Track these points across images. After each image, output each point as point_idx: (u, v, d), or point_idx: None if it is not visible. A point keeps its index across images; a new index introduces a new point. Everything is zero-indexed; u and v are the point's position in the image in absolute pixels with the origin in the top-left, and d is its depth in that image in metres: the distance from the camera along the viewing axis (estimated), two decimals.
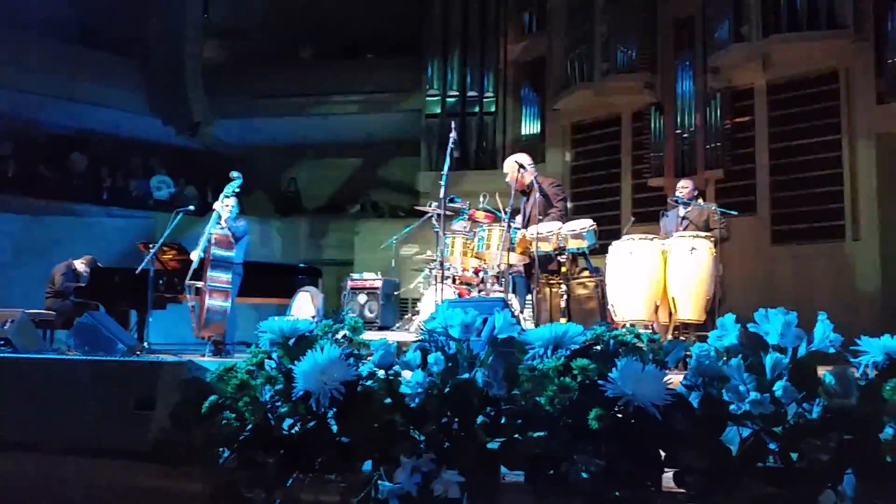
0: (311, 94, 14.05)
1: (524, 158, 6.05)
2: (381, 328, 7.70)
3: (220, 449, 1.97)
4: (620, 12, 10.29)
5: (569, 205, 6.27)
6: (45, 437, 2.37)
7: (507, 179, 5.98)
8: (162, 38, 14.23)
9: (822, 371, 1.79)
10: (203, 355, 6.22)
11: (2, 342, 3.33)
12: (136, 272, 6.87)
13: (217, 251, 6.43)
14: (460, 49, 12.52)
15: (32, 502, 2.32)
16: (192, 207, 7.20)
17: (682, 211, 6.54)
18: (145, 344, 6.39)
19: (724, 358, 1.87)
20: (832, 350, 1.82)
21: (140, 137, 14.48)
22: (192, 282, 6.36)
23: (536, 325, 5.29)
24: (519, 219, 6.02)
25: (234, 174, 6.66)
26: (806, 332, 1.85)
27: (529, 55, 12.10)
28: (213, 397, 2.01)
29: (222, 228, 6.51)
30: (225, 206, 6.59)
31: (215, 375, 2.05)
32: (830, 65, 8.68)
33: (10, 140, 13.71)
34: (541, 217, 5.57)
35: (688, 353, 1.96)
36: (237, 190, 6.70)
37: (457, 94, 12.42)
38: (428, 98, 12.58)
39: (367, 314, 8.20)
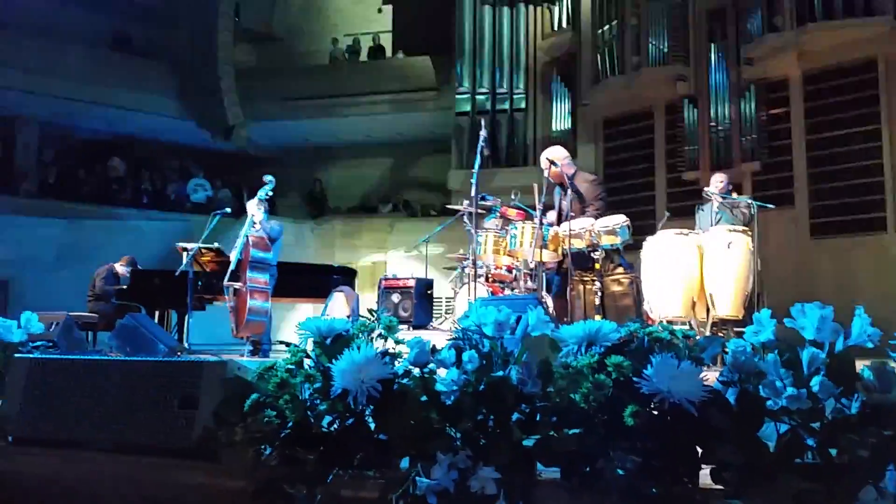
0: (341, 96, 14.17)
1: (557, 153, 5.96)
2: (415, 327, 7.74)
3: (262, 446, 2.01)
4: (651, 4, 10.20)
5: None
6: (90, 435, 2.44)
7: (554, 168, 5.90)
8: (195, 43, 14.46)
9: (861, 366, 1.77)
10: (242, 355, 6.32)
11: (48, 344, 3.44)
12: (176, 274, 7.02)
13: (255, 253, 6.55)
14: (489, 46, 12.51)
15: (78, 499, 2.39)
16: (228, 210, 7.32)
17: (716, 205, 6.46)
18: (186, 344, 6.51)
19: (761, 353, 1.86)
20: (870, 344, 1.80)
21: (176, 141, 14.75)
22: (231, 283, 6.47)
23: (570, 322, 5.28)
24: (552, 214, 5.97)
25: (268, 178, 6.77)
26: (845, 327, 1.83)
27: (559, 50, 12.05)
28: (254, 395, 2.05)
29: (257, 231, 6.62)
30: (257, 208, 6.71)
31: (256, 374, 2.10)
32: (868, 53, 8.50)
33: (51, 147, 14.06)
34: (573, 214, 5.53)
35: (724, 348, 1.96)
36: (270, 193, 6.80)
37: (487, 91, 12.41)
38: (458, 96, 12.59)
39: (401, 313, 8.24)
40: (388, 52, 15.12)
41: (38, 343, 3.16)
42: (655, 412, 1.79)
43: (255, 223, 6.65)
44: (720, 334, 5.25)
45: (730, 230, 5.48)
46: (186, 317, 7.11)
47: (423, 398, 1.97)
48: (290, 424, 2.01)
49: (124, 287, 8.32)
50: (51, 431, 2.51)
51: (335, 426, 2.00)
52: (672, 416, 1.77)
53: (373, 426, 1.98)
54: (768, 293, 6.20)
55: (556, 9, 12.06)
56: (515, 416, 1.91)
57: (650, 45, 10.10)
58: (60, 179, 13.54)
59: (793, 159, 9.03)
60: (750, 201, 6.28)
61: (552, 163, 5.80)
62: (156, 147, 14.82)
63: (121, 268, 8.78)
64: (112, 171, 14.16)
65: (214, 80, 14.27)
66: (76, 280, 9.32)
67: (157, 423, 2.33)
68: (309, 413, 2.03)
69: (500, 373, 1.97)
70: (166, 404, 2.33)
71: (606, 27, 10.85)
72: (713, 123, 9.68)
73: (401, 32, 14.96)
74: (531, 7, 12.41)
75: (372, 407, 1.98)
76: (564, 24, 11.94)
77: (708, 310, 5.37)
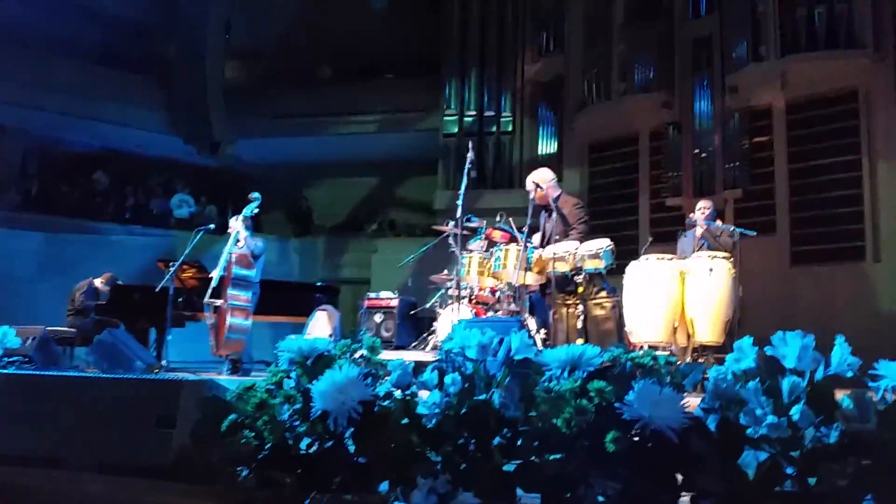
0: (329, 114, 14.20)
1: (544, 175, 5.97)
2: (397, 347, 7.70)
3: (239, 467, 1.99)
4: (638, 32, 10.33)
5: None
6: (66, 453, 2.40)
7: (537, 191, 5.87)
8: (184, 58, 14.46)
9: (841, 395, 1.78)
10: (220, 373, 6.26)
11: (24, 359, 3.38)
12: (156, 290, 6.95)
13: (238, 270, 6.50)
14: (478, 69, 12.61)
15: None
16: (212, 226, 7.28)
17: (699, 232, 6.51)
18: (164, 362, 6.44)
19: (742, 381, 1.87)
20: (850, 374, 1.81)
21: (161, 156, 14.67)
22: (211, 300, 6.42)
23: (553, 345, 5.27)
24: (537, 237, 6.00)
25: (254, 195, 6.75)
26: (825, 355, 1.84)
27: (546, 75, 12.16)
28: (232, 416, 2.03)
29: (241, 248, 6.59)
30: (242, 225, 6.69)
31: (235, 394, 2.07)
32: (850, 84, 8.65)
33: (34, 159, 13.94)
34: (557, 237, 5.55)
35: (705, 375, 1.96)
36: (257, 210, 6.78)
37: (474, 113, 12.49)
38: (445, 117, 12.66)
39: (384, 333, 8.21)
40: (378, 72, 15.18)
41: (14, 358, 3.12)
42: (637, 438, 1.79)
43: (238, 240, 6.62)
44: (700, 360, 5.26)
45: (711, 256, 5.52)
46: (166, 333, 7.03)
47: (405, 421, 1.96)
48: (269, 446, 1.99)
49: (104, 302, 8.24)
50: (25, 449, 2.46)
51: (314, 448, 1.98)
52: (653, 442, 1.77)
53: (352, 449, 1.96)
54: (749, 320, 6.24)
55: (544, 34, 12.18)
56: (497, 440, 1.90)
57: (636, 71, 10.22)
58: (43, 192, 13.42)
59: (775, 187, 9.13)
60: (733, 228, 6.32)
61: (537, 185, 5.83)
62: (141, 162, 14.74)
63: (100, 284, 8.69)
64: (96, 184, 14.06)
65: (202, 96, 14.26)
66: (56, 294, 9.20)
67: (133, 441, 2.29)
68: (288, 434, 2.01)
69: (483, 396, 1.96)
70: (143, 423, 2.30)
71: (593, 53, 10.98)
72: (697, 150, 9.78)
73: (390, 53, 15.03)
74: (519, 31, 12.53)
75: (352, 429, 1.96)
76: (552, 49, 12.06)
77: (689, 335, 5.39)
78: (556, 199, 5.81)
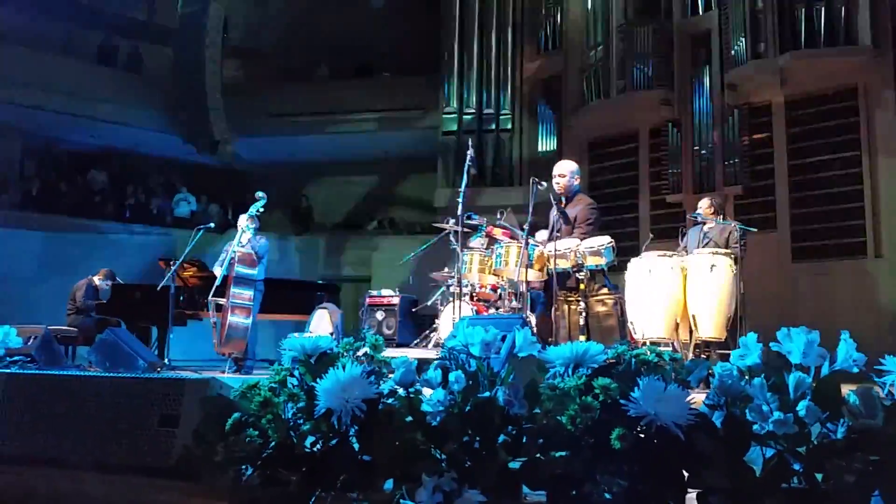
0: (328, 113, 14.18)
1: (568, 166, 5.85)
2: (398, 345, 7.71)
3: (243, 466, 1.98)
4: (636, 29, 10.32)
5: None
6: (67, 453, 2.39)
7: (562, 180, 5.71)
8: (182, 57, 14.44)
9: (847, 391, 1.77)
10: (224, 372, 6.26)
11: (26, 358, 3.38)
12: (157, 289, 6.96)
13: (240, 269, 6.51)
14: (477, 67, 12.59)
15: None
16: (212, 225, 7.29)
17: (704, 228, 6.45)
18: (166, 360, 6.44)
19: (747, 377, 1.86)
20: (856, 369, 1.81)
21: (161, 155, 14.67)
22: (215, 298, 6.42)
23: (555, 342, 5.26)
24: (540, 233, 5.92)
25: (259, 194, 6.75)
26: (828, 351, 1.84)
27: (545, 72, 12.15)
28: (236, 414, 2.02)
29: (243, 246, 6.60)
30: (248, 224, 6.70)
31: (238, 393, 2.07)
32: (849, 81, 8.64)
33: (34, 158, 13.94)
34: (558, 234, 5.52)
35: (710, 372, 1.96)
36: (262, 209, 6.79)
37: (473, 111, 12.47)
38: (444, 115, 12.64)
39: (385, 331, 8.21)
40: (376, 71, 15.18)
41: (16, 357, 3.11)
42: (642, 435, 1.78)
43: (242, 239, 6.64)
44: (703, 356, 5.26)
45: (713, 253, 5.52)
46: (167, 332, 7.03)
47: (409, 419, 1.95)
48: (273, 444, 1.98)
49: (105, 301, 8.23)
50: (26, 448, 2.46)
51: (318, 446, 1.97)
52: (659, 439, 1.76)
53: (357, 447, 1.96)
54: (750, 316, 6.23)
55: (543, 32, 12.17)
56: (502, 437, 1.89)
57: (635, 69, 10.21)
58: (42, 192, 13.41)
59: (775, 184, 9.13)
60: (735, 225, 6.30)
61: (560, 174, 5.73)
62: (140, 161, 14.73)
63: (99, 281, 8.68)
64: (95, 183, 14.05)
65: (201, 95, 14.23)
66: (56, 293, 9.19)
67: (136, 441, 2.29)
68: (292, 433, 2.00)
69: (487, 394, 1.95)
70: (146, 422, 2.30)
71: (592, 51, 10.96)
72: (696, 147, 9.77)
73: (389, 51, 15.03)
74: (517, 29, 12.52)
75: (356, 427, 1.95)
76: (551, 47, 12.05)
77: (691, 331, 5.39)
78: (571, 197, 5.74)
